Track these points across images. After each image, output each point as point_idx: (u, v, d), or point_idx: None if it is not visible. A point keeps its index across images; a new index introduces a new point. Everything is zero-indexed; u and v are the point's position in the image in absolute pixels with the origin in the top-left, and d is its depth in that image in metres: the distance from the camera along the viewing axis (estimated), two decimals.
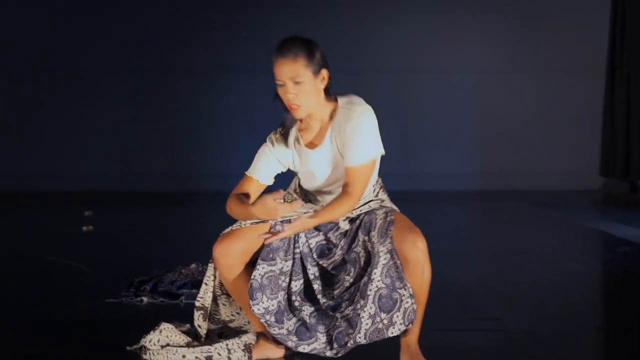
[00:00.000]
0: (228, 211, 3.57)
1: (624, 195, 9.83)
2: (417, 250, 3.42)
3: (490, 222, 8.46)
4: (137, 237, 7.04)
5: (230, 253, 3.53)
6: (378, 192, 3.69)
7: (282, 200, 3.38)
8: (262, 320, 3.54)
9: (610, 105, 9.91)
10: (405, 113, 10.54)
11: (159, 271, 5.05)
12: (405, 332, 3.51)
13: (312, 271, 3.60)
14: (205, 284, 3.69)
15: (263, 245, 3.57)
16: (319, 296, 3.57)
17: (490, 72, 10.59)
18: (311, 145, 3.61)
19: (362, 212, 3.61)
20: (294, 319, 3.56)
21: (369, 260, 3.48)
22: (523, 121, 10.59)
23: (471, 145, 10.64)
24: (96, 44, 10.44)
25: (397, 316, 3.43)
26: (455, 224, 8.19)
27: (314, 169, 3.62)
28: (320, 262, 3.61)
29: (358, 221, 3.58)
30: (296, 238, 3.62)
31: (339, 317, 3.51)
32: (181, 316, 3.95)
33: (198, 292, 3.71)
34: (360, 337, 3.45)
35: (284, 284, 3.58)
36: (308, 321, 3.55)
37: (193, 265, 5.05)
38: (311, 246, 3.63)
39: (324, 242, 3.64)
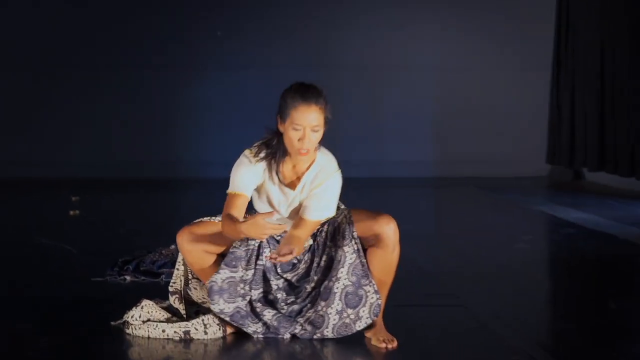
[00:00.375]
0: (224, 234, 3.43)
1: (569, 181, 9.86)
2: (389, 230, 3.43)
3: (447, 206, 8.46)
4: (121, 220, 6.95)
5: (189, 239, 3.49)
6: None
7: (273, 220, 3.32)
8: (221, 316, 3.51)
9: (555, 96, 9.91)
10: (369, 106, 10.49)
11: (141, 252, 4.98)
12: None
13: (276, 283, 3.55)
14: (177, 269, 3.69)
15: (229, 244, 3.52)
16: (282, 304, 3.53)
17: (446, 68, 10.55)
18: (286, 184, 3.52)
19: (321, 225, 3.56)
20: (260, 323, 3.50)
21: (330, 265, 3.48)
22: (476, 113, 10.54)
23: (429, 135, 10.60)
24: (95, 44, 10.29)
25: (363, 311, 3.45)
26: (415, 208, 8.15)
27: (277, 204, 3.54)
28: (284, 276, 3.56)
29: (324, 233, 3.54)
30: (260, 251, 3.54)
31: (301, 321, 3.49)
32: (161, 294, 3.89)
33: None
34: (327, 332, 3.47)
35: (243, 292, 3.51)
36: (271, 324, 3.50)
37: (173, 247, 4.96)
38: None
39: None
